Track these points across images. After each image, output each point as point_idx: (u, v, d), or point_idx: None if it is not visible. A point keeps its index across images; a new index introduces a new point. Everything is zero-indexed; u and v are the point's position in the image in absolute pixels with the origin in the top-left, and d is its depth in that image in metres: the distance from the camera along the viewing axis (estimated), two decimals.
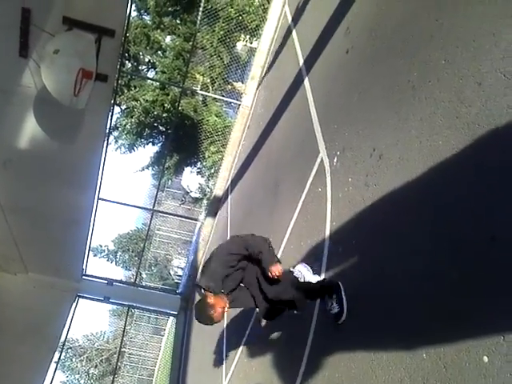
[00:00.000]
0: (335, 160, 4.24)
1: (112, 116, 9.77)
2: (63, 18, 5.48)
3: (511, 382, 1.89)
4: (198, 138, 11.28)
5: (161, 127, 11.83)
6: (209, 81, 10.84)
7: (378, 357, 2.85)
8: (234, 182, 9.86)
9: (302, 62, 6.30)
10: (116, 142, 11.47)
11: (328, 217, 4.11)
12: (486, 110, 2.34)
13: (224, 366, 6.74)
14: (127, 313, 14.37)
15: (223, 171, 10.93)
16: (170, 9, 10.49)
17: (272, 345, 4.90)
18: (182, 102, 10.59)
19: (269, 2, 9.41)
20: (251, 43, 10.66)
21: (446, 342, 2.31)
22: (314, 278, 3.94)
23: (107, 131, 9.18)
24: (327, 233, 4.05)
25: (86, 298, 11.78)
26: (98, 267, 38.58)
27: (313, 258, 4.23)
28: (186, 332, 11.71)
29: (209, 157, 11.42)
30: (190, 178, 14.96)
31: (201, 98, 11.25)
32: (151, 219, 14.07)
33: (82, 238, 9.62)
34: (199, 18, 9.81)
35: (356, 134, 3.92)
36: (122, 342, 15.97)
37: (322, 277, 3.92)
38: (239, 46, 11.09)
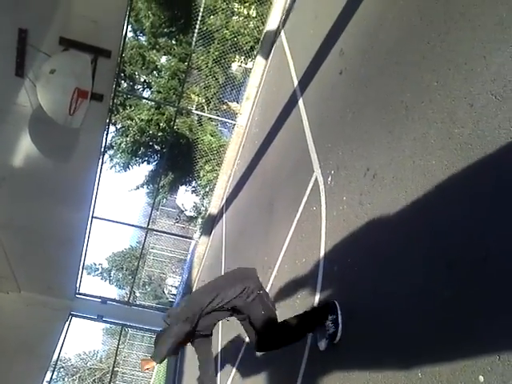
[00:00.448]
0: (329, 179, 4.26)
1: (107, 135, 9.81)
2: (60, 38, 5.55)
3: None
4: (193, 157, 11.32)
5: (156, 146, 11.86)
6: (204, 101, 10.91)
7: (373, 376, 2.84)
8: (229, 201, 9.87)
9: (296, 82, 6.37)
10: (111, 160, 11.48)
11: (323, 235, 4.11)
12: (478, 130, 2.37)
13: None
14: (121, 332, 14.25)
15: (218, 190, 10.95)
16: (165, 30, 10.61)
17: (266, 364, 4.86)
18: (177, 121, 10.64)
19: (263, 24, 9.53)
20: (246, 64, 10.77)
21: (441, 361, 2.30)
22: None
23: (102, 150, 9.20)
24: (322, 251, 4.05)
25: (79, 316, 11.67)
26: (91, 286, 38.29)
27: (308, 277, 4.22)
28: (180, 351, 11.58)
29: (204, 175, 11.44)
30: (185, 197, 14.96)
31: (196, 118, 11.31)
32: (145, 237, 14.03)
33: (76, 256, 9.58)
34: (194, 38, 9.91)
35: (350, 153, 3.95)
36: (115, 362, 15.80)
37: (317, 298, 3.92)
38: (234, 66, 11.20)
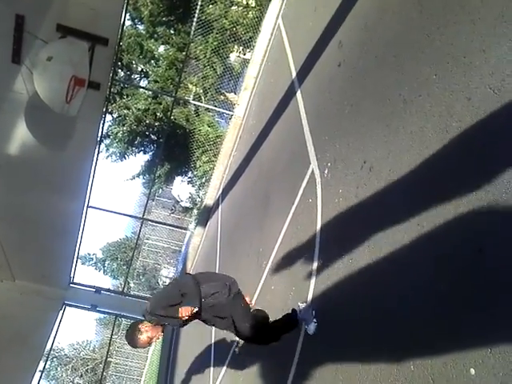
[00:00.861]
0: (326, 171, 4.26)
1: (104, 124, 9.78)
2: (57, 25, 5.50)
3: None
4: (190, 148, 11.29)
5: (152, 136, 11.83)
6: (201, 91, 10.87)
7: (365, 368, 2.86)
8: (225, 192, 9.87)
9: (294, 74, 6.35)
10: (107, 149, 11.43)
11: (318, 228, 4.12)
12: (475, 124, 2.37)
13: (211, 376, 6.70)
14: (114, 322, 14.26)
15: (214, 181, 10.94)
16: (164, 19, 10.53)
17: (260, 355, 4.89)
18: (174, 111, 10.61)
19: (262, 15, 9.49)
20: (244, 54, 10.72)
21: (433, 354, 2.32)
22: None
23: (98, 139, 9.17)
24: (317, 244, 4.06)
25: (72, 306, 11.67)
26: (85, 275, 38.26)
27: (302, 269, 4.23)
28: (174, 342, 11.63)
29: (200, 166, 11.42)
30: (181, 188, 14.93)
31: (193, 108, 11.26)
32: (141, 228, 14.03)
33: (71, 245, 9.57)
34: (193, 28, 9.85)
35: (347, 146, 3.95)
36: (108, 352, 15.83)
37: (311, 290, 3.93)
38: (232, 57, 11.15)
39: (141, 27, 10.97)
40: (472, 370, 2.04)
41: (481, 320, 2.08)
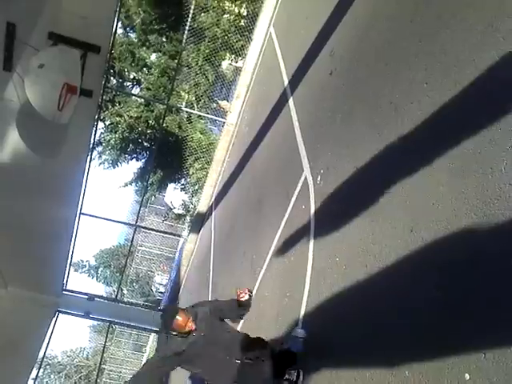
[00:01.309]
0: (319, 178, 4.28)
1: (96, 131, 9.76)
2: (49, 33, 5.49)
3: None
4: (183, 155, 11.29)
5: (145, 143, 11.81)
6: (194, 98, 10.88)
7: (361, 375, 2.86)
8: (218, 199, 9.86)
9: (286, 82, 6.38)
10: (100, 157, 11.41)
11: (311, 234, 4.13)
12: (465, 131, 2.40)
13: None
14: (108, 329, 14.18)
15: (207, 188, 10.94)
16: (155, 27, 10.55)
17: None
18: (166, 118, 10.61)
19: (254, 23, 9.53)
20: (236, 62, 10.76)
21: (428, 360, 2.33)
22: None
23: (91, 146, 9.14)
24: (311, 250, 4.06)
25: (66, 313, 11.59)
26: (78, 283, 37.99)
27: (296, 276, 4.24)
28: None
29: (193, 173, 11.42)
30: (174, 195, 14.90)
31: (185, 115, 11.27)
32: (134, 235, 13.98)
33: (63, 252, 9.51)
34: (185, 36, 9.88)
35: (339, 153, 3.97)
36: (101, 359, 15.72)
37: (305, 297, 3.93)
38: (225, 64, 11.18)
39: (133, 35, 11.00)
40: (467, 375, 2.05)
41: (475, 326, 2.10)
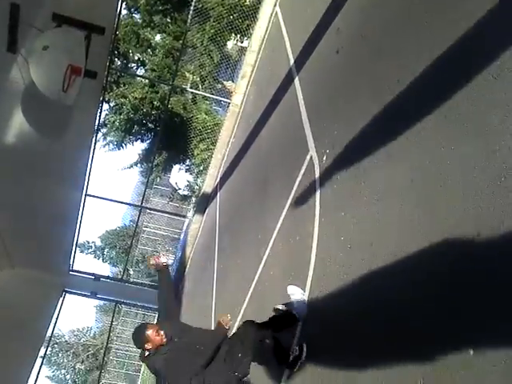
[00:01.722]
0: (324, 158, 4.28)
1: (101, 113, 9.75)
2: (53, 14, 5.47)
3: None
4: (188, 136, 11.26)
5: (150, 124, 11.79)
6: (199, 79, 10.81)
7: (365, 348, 2.91)
8: (223, 180, 9.88)
9: (292, 61, 6.34)
10: (104, 138, 11.40)
11: (317, 213, 4.15)
12: (472, 105, 2.40)
13: None
14: (114, 308, 14.35)
15: (212, 169, 10.94)
16: (160, 7, 10.43)
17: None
18: (171, 99, 10.56)
19: (260, 2, 9.42)
20: (242, 42, 10.66)
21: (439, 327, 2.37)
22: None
23: (96, 128, 9.15)
24: (316, 229, 4.09)
25: (72, 293, 11.74)
26: (84, 263, 38.36)
27: (301, 255, 4.27)
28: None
29: (198, 154, 11.41)
30: (179, 176, 14.92)
31: (190, 96, 11.22)
32: (139, 216, 14.05)
33: (70, 233, 9.61)
34: (190, 16, 9.79)
35: (345, 132, 3.97)
36: (108, 338, 15.95)
37: (310, 275, 3.97)
38: (230, 44, 11.09)
39: (137, 16, 10.88)
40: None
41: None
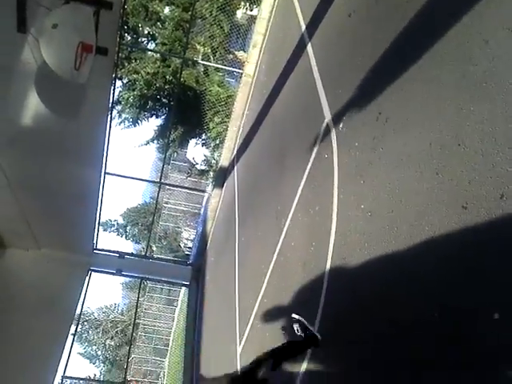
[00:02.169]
0: (341, 125, 4.21)
1: (114, 90, 9.73)
2: None
3: None
4: (202, 109, 11.20)
5: (163, 99, 11.74)
6: (210, 51, 10.69)
7: (386, 320, 2.90)
8: (240, 152, 9.84)
9: (303, 27, 6.20)
10: (119, 116, 11.41)
11: (335, 182, 4.11)
12: (492, 68, 2.31)
13: (238, 331, 6.86)
14: (140, 285, 14.60)
15: (228, 142, 10.90)
16: None
17: (284, 311, 4.97)
18: (183, 73, 10.48)
19: None
20: (251, 10, 10.47)
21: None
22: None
23: (110, 105, 9.14)
24: (335, 198, 4.05)
25: (98, 271, 11.95)
26: (108, 241, 39.04)
27: (321, 224, 4.25)
28: (199, 301, 11.89)
29: (213, 128, 11.36)
30: (196, 150, 14.95)
31: (202, 69, 11.11)
32: (158, 192, 14.15)
33: (91, 212, 9.70)
34: None
35: (361, 98, 3.88)
36: (136, 314, 16.28)
37: (331, 245, 3.95)
38: (239, 13, 10.90)
39: None
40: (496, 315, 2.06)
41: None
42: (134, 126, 11.75)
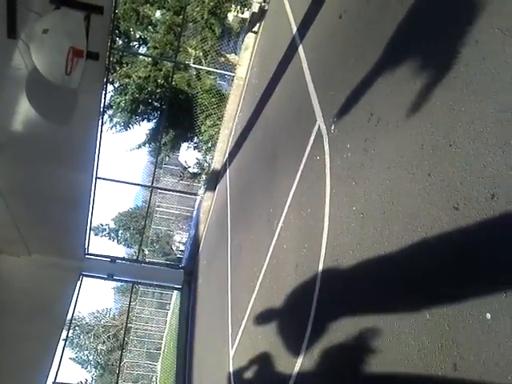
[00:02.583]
0: (333, 127, 4.23)
1: (106, 94, 9.70)
2: None
3: None
4: (193, 113, 11.21)
5: (155, 103, 11.74)
6: (201, 54, 10.71)
7: (384, 318, 2.91)
8: (232, 155, 9.85)
9: (295, 29, 6.23)
10: (111, 120, 11.40)
11: (327, 184, 4.12)
12: (483, 68, 2.33)
13: (230, 334, 6.86)
14: (131, 289, 14.57)
15: (220, 144, 10.90)
16: None
17: (277, 312, 4.98)
18: (175, 76, 10.49)
19: None
20: (242, 13, 10.50)
21: (448, 302, 2.35)
22: None
23: (102, 109, 9.12)
24: (327, 200, 4.07)
25: (90, 276, 11.90)
26: (100, 246, 38.83)
27: (314, 227, 4.26)
28: (191, 304, 11.87)
29: (205, 131, 11.37)
30: (188, 154, 14.93)
31: (194, 72, 11.13)
32: (150, 196, 14.12)
33: (83, 217, 9.67)
34: None
35: (353, 99, 3.90)
36: (127, 318, 16.27)
37: (323, 248, 3.96)
38: (230, 16, 10.93)
39: None
40: (488, 315, 2.07)
41: (493, 265, 2.10)
42: (126, 130, 11.74)
